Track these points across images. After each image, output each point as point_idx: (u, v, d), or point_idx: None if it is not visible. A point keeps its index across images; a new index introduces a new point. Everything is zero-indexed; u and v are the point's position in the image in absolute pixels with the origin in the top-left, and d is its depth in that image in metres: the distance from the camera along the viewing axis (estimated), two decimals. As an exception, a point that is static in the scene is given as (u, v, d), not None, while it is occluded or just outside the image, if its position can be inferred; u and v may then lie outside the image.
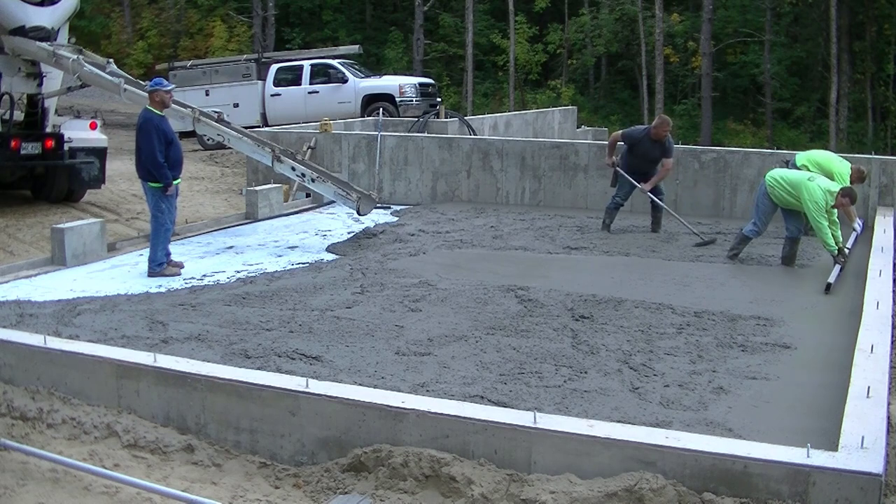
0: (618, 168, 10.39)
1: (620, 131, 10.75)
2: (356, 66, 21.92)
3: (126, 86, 10.86)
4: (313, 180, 10.42)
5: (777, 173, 8.84)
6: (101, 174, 12.94)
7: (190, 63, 24.90)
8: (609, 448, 4.04)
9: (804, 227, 8.80)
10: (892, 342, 5.81)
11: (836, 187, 8.45)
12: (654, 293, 7.51)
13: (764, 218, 8.81)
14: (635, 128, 10.89)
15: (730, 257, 8.93)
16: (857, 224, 9.97)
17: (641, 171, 10.27)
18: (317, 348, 5.94)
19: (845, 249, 8.62)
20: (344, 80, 20.60)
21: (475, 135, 17.19)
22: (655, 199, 10.35)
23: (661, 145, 10.19)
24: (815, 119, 30.77)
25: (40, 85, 12.39)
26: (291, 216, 12.11)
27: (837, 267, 8.31)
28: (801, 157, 9.99)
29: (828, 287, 7.84)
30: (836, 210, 8.38)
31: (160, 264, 8.43)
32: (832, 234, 8.35)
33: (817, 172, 9.14)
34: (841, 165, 9.64)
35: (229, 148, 11.79)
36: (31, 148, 12.04)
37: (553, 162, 12.62)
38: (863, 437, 3.96)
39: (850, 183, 9.39)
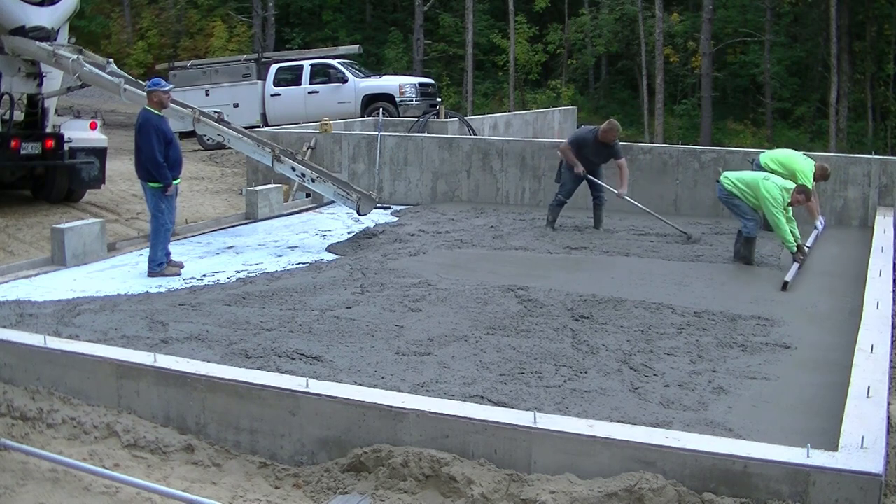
0: (563, 169, 10.59)
1: (567, 140, 10.91)
2: (356, 66, 21.93)
3: (126, 86, 10.86)
4: (313, 180, 10.42)
5: (732, 175, 8.92)
6: (101, 174, 12.94)
7: (190, 63, 24.89)
8: (609, 448, 4.04)
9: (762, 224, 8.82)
10: (892, 342, 5.81)
11: (791, 185, 8.52)
12: (654, 293, 7.51)
13: (748, 211, 8.69)
14: (582, 129, 11.16)
15: (745, 264, 8.70)
16: (820, 222, 9.98)
17: (589, 171, 10.43)
18: (317, 348, 5.94)
19: (805, 247, 8.62)
20: (344, 80, 20.60)
21: (475, 135, 17.20)
22: (635, 202, 10.50)
23: (608, 148, 10.36)
24: (815, 119, 30.77)
25: (40, 85, 12.39)
26: (291, 216, 12.12)
27: (796, 265, 8.32)
28: (765, 156, 10.01)
29: (784, 285, 7.83)
30: (791, 207, 8.44)
31: (160, 264, 8.43)
32: (790, 231, 8.36)
33: (781, 171, 9.16)
34: (804, 163, 9.66)
35: (229, 148, 11.79)
36: (31, 148, 12.05)
37: (553, 162, 12.56)
38: (863, 437, 3.96)
39: (814, 180, 9.45)
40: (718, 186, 9.01)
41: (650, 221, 11.08)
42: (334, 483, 4.38)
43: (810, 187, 9.06)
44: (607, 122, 10.60)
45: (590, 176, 10.43)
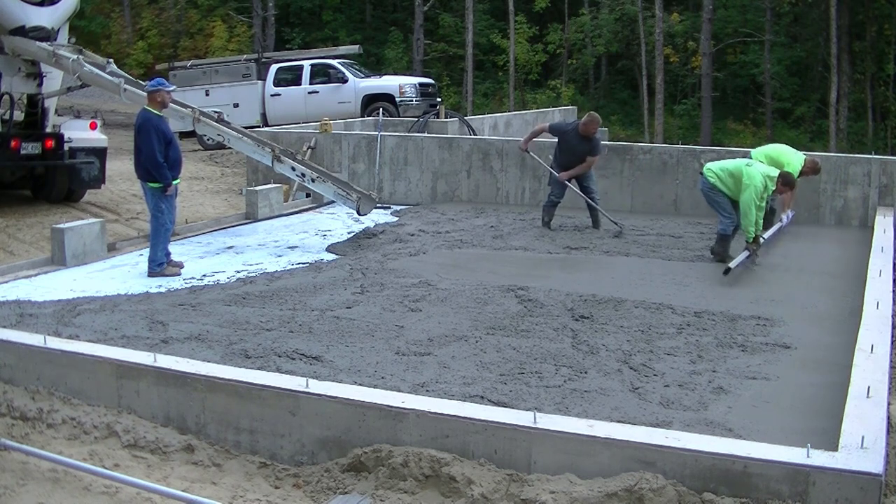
0: (551, 168, 10.63)
1: (548, 123, 10.87)
2: (356, 66, 21.93)
3: (126, 86, 10.85)
4: (313, 180, 10.42)
5: (715, 166, 8.86)
6: (101, 174, 12.94)
7: (190, 63, 24.88)
8: (609, 448, 4.04)
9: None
10: (892, 342, 5.81)
11: (775, 172, 8.47)
12: (654, 293, 7.51)
13: (728, 209, 8.69)
14: (565, 121, 11.06)
15: (719, 260, 8.68)
16: (786, 215, 9.93)
17: (570, 166, 10.45)
18: (317, 348, 5.94)
19: (761, 238, 8.59)
20: (344, 80, 20.60)
21: (475, 135, 17.20)
22: (571, 186, 10.48)
23: (588, 142, 10.33)
24: (815, 119, 30.77)
25: (40, 85, 12.38)
26: (291, 216, 12.12)
27: (745, 253, 8.36)
28: (756, 152, 9.94)
29: (727, 271, 7.89)
30: (765, 198, 8.42)
31: (160, 264, 8.43)
32: (756, 222, 8.34)
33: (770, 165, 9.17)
34: (793, 157, 9.63)
35: (229, 148, 11.79)
36: (31, 148, 12.05)
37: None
38: (863, 437, 3.96)
39: (804, 174, 9.40)
40: (701, 179, 8.91)
41: (650, 221, 11.11)
42: (334, 483, 4.38)
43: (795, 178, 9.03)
44: (588, 114, 10.59)
45: (566, 180, 10.42)
